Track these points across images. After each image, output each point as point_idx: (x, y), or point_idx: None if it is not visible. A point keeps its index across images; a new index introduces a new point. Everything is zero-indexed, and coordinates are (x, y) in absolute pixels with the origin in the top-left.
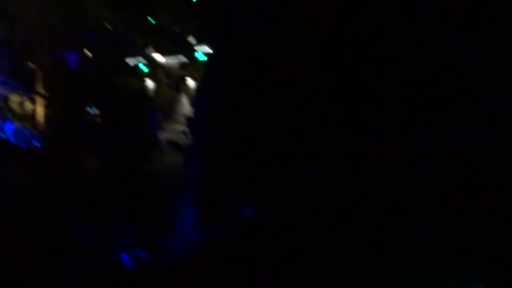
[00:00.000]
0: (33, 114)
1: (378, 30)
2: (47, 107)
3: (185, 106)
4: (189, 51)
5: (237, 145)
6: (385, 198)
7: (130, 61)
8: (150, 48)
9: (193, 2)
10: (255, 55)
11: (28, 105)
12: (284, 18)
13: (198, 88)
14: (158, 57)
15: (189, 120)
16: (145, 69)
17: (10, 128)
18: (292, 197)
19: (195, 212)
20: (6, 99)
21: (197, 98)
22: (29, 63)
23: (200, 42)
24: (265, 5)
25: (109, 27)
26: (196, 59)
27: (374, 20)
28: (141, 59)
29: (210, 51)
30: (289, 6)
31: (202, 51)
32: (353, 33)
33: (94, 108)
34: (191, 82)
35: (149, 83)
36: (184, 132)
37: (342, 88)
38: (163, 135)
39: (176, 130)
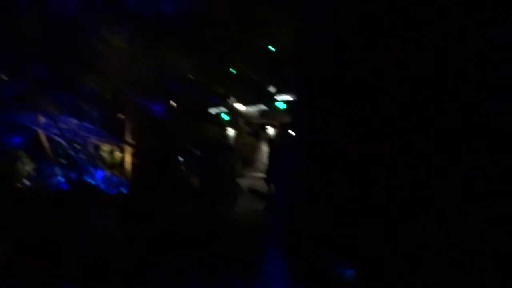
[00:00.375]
0: (121, 162)
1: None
2: (134, 156)
3: (265, 153)
4: (269, 99)
5: (326, 196)
6: None
7: (212, 110)
8: (231, 98)
9: (273, 51)
10: (339, 104)
11: (117, 154)
12: (371, 64)
13: (281, 138)
14: (238, 106)
15: (272, 170)
16: (226, 118)
17: (100, 175)
18: (396, 256)
19: (281, 264)
20: (97, 148)
21: (278, 148)
22: (119, 114)
23: (280, 91)
24: (351, 51)
25: (193, 78)
26: (276, 107)
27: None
28: (222, 108)
29: (290, 99)
30: (376, 51)
31: (281, 100)
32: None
33: (178, 156)
34: (270, 130)
35: (230, 131)
36: (264, 179)
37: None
38: (244, 182)
39: (256, 177)
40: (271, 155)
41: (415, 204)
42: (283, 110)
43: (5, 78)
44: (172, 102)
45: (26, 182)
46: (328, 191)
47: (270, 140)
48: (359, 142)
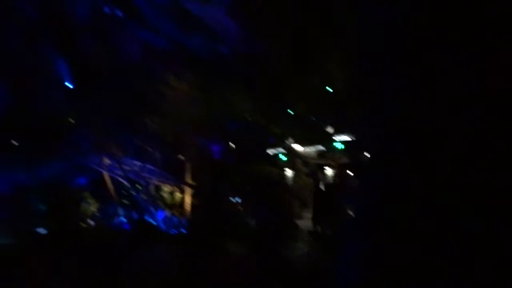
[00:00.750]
0: (181, 203)
1: None
2: (194, 196)
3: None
4: (326, 140)
5: (395, 241)
6: None
7: (270, 151)
8: (289, 138)
9: (330, 92)
10: (400, 145)
11: (177, 194)
12: (432, 103)
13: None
14: (296, 146)
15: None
16: (284, 158)
17: (161, 215)
18: None
19: None
20: (158, 189)
21: (325, 190)
22: (179, 155)
23: (338, 131)
24: (411, 91)
25: (251, 119)
26: (333, 147)
27: None
28: (280, 148)
29: (348, 139)
30: (436, 90)
31: (339, 140)
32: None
33: (236, 197)
34: (328, 171)
35: (288, 172)
36: (312, 220)
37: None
38: (302, 224)
39: None
40: (316, 196)
41: (493, 251)
42: (341, 150)
43: (72, 121)
44: (230, 143)
45: (90, 222)
46: (396, 235)
47: (315, 182)
48: (423, 181)
